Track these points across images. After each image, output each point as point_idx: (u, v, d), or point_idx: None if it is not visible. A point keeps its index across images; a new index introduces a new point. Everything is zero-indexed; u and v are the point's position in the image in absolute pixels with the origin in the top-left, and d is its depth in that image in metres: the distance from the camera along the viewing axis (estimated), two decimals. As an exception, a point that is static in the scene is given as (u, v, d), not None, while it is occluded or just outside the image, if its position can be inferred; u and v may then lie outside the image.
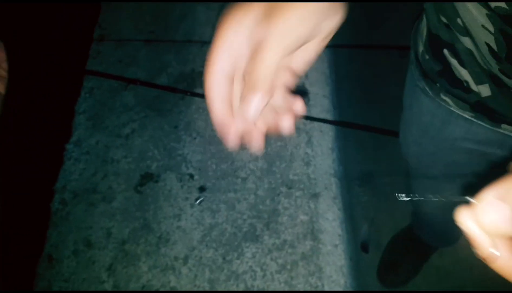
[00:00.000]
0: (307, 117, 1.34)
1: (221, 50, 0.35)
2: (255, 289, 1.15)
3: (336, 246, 1.17)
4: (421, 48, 0.70)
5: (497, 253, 0.27)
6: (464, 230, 0.28)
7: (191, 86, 1.56)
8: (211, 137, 1.44)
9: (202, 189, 1.35)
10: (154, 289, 1.21)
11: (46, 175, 1.49)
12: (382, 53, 1.69)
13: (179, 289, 1.20)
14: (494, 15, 0.48)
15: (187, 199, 1.33)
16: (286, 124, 0.37)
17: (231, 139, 0.36)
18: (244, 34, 0.35)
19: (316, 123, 1.35)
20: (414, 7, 0.77)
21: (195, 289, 1.18)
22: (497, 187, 0.26)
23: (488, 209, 0.26)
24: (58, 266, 1.32)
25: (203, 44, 1.66)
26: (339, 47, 1.62)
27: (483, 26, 0.51)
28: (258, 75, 0.33)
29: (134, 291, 1.22)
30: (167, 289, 1.21)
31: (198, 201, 1.10)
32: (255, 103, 0.33)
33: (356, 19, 1.91)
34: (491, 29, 0.50)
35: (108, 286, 1.26)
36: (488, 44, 0.52)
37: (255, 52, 0.34)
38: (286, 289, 1.13)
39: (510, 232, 0.26)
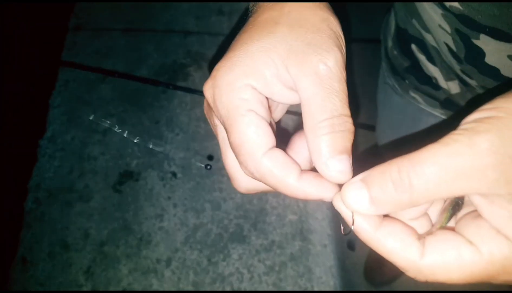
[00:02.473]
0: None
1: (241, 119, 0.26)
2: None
3: (325, 246, 1.14)
4: (389, 43, 0.67)
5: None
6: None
7: (173, 79, 1.49)
8: (194, 133, 1.38)
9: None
10: (135, 293, 1.16)
11: (19, 172, 1.40)
12: (370, 47, 1.65)
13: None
14: (450, 15, 0.44)
15: (169, 198, 1.27)
16: None
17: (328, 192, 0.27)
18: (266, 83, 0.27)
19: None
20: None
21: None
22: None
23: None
24: (33, 269, 1.25)
25: (186, 34, 1.59)
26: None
27: (440, 26, 0.48)
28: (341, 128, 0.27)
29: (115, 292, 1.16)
30: (149, 293, 1.15)
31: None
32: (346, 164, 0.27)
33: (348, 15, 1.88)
34: (448, 29, 0.47)
35: (86, 290, 1.19)
36: (447, 44, 0.49)
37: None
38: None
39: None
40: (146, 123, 1.40)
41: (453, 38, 0.47)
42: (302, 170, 0.27)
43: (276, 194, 1.24)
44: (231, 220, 1.22)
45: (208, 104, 0.29)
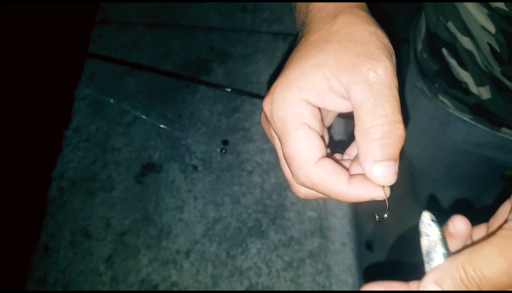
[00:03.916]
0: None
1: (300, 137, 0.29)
2: (260, 286, 1.11)
3: (344, 244, 1.13)
4: (419, 46, 0.66)
5: None
6: None
7: (196, 73, 1.51)
8: (216, 127, 1.39)
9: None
10: (154, 283, 1.17)
11: (43, 161, 1.43)
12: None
13: (180, 284, 1.15)
14: (495, 15, 0.45)
15: (190, 191, 1.28)
16: None
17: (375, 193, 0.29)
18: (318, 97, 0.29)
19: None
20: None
21: (197, 284, 1.14)
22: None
23: None
24: (54, 256, 1.28)
25: (210, 30, 1.60)
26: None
27: (483, 27, 0.48)
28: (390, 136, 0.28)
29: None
30: (168, 283, 1.16)
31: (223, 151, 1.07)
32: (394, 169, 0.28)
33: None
34: (492, 30, 0.47)
35: (106, 279, 1.21)
36: (490, 45, 0.49)
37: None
38: (292, 287, 1.09)
39: None
40: (169, 117, 1.41)
41: (496, 39, 0.47)
42: (350, 175, 0.30)
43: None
44: (250, 214, 1.23)
45: (266, 118, 0.32)
